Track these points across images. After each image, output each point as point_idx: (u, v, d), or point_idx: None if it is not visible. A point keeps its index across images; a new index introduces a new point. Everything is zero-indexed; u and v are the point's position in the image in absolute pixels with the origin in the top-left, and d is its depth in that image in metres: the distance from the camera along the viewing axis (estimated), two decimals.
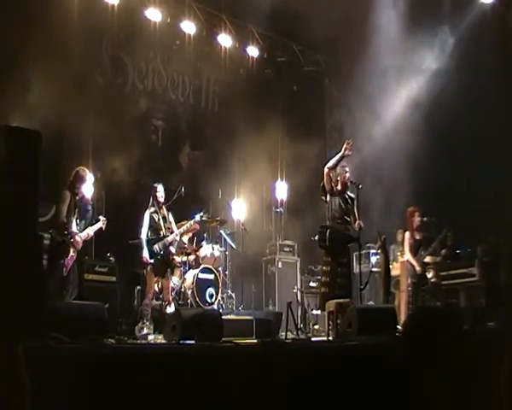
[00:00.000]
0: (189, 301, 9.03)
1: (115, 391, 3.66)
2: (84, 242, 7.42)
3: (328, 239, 7.34)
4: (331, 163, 7.57)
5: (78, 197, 7.26)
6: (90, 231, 7.44)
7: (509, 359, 2.61)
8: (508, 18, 10.48)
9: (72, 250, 7.12)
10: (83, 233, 7.30)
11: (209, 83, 12.35)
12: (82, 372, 3.60)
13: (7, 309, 2.53)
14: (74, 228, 7.20)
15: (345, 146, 7.46)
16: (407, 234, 8.89)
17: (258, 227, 11.51)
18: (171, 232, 8.36)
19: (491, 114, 10.06)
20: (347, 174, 7.67)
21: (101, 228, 7.59)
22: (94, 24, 9.98)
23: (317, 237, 7.53)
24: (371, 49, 10.61)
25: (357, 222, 7.48)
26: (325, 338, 7.14)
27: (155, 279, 8.25)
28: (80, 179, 7.31)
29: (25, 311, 2.62)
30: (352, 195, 7.66)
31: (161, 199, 8.36)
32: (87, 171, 7.54)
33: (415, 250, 8.79)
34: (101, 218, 7.66)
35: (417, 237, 8.84)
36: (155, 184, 8.43)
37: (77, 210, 7.24)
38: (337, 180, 7.70)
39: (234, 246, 10.41)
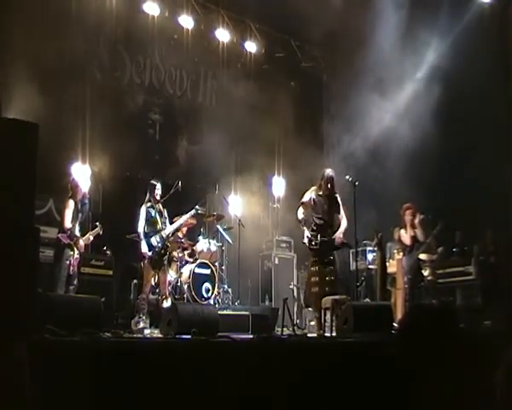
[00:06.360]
0: (185, 295, 9.04)
1: (111, 385, 3.66)
2: (85, 245, 8.19)
3: (319, 243, 7.34)
4: (305, 199, 7.60)
5: (79, 204, 7.99)
6: (91, 235, 8.21)
7: (505, 358, 2.61)
8: (506, 17, 10.47)
9: (76, 252, 7.80)
10: (84, 237, 8.04)
11: (207, 78, 12.32)
12: (77, 366, 3.59)
13: (5, 306, 2.52)
14: (77, 232, 7.92)
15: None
16: (402, 231, 8.90)
17: (255, 223, 11.50)
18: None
19: (490, 111, 10.06)
20: (331, 176, 7.53)
21: (98, 233, 8.31)
22: (92, 18, 9.93)
23: (306, 241, 7.48)
24: (369, 45, 10.58)
25: (337, 233, 7.45)
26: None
27: (152, 273, 8.25)
28: (79, 189, 8.04)
29: (21, 306, 2.62)
30: (339, 199, 7.59)
31: (158, 197, 8.38)
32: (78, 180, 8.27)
33: (409, 247, 8.78)
34: (97, 224, 8.38)
35: (412, 234, 8.84)
36: (154, 182, 8.42)
37: (79, 215, 7.99)
38: (323, 183, 7.56)
39: (230, 241, 10.40)
